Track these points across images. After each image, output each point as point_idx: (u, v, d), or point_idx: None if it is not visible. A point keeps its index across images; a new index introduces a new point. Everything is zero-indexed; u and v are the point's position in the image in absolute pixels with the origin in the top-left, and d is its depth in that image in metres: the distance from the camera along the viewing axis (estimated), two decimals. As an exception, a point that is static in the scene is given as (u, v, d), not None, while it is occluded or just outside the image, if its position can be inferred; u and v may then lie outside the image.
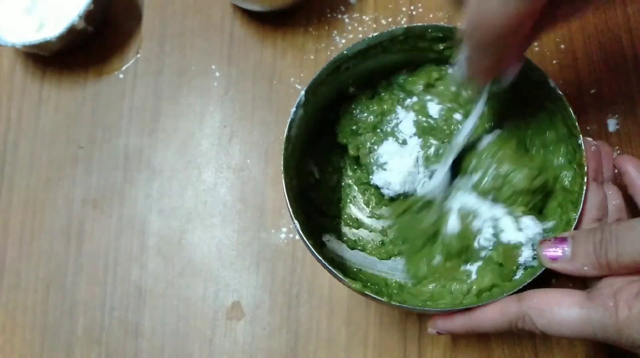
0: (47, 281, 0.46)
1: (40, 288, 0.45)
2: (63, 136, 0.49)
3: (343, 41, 0.50)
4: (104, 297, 0.45)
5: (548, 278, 0.41)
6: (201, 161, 0.48)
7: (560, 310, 0.28)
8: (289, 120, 0.36)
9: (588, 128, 0.46)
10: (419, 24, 0.37)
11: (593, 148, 0.35)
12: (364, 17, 0.50)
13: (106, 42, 0.51)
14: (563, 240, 0.31)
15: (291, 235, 0.45)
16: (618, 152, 0.45)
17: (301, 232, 0.33)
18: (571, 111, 0.34)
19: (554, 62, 0.48)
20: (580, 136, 0.34)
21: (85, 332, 0.44)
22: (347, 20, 0.50)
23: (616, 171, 0.37)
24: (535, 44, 0.48)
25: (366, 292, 0.32)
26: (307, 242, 0.33)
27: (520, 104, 0.39)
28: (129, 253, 0.46)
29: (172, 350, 0.43)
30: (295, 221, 0.33)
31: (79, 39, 0.49)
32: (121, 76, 0.50)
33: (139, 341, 0.44)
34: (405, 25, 0.37)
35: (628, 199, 0.36)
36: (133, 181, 0.47)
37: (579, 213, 0.33)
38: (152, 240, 0.46)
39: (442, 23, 0.41)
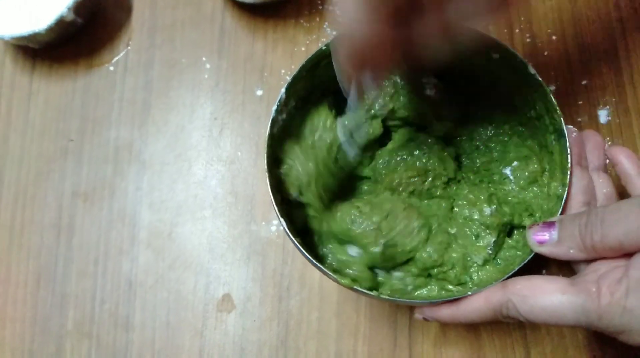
0: (38, 275, 0.45)
1: (30, 282, 0.45)
2: (53, 129, 0.49)
3: (334, 33, 0.49)
4: (94, 290, 0.45)
5: (538, 269, 0.41)
6: (191, 154, 0.47)
7: (543, 296, 0.28)
8: (271, 119, 0.35)
9: (579, 119, 0.46)
10: None
11: (574, 134, 0.35)
12: (355, 8, 0.50)
13: (96, 34, 0.50)
14: (551, 223, 0.31)
15: (281, 228, 0.45)
16: (609, 143, 0.45)
17: (288, 231, 0.33)
18: (552, 97, 0.34)
19: (546, 53, 0.47)
20: (562, 120, 0.34)
21: (75, 325, 0.44)
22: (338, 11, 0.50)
23: (608, 161, 0.37)
24: (527, 34, 0.48)
25: (355, 287, 0.32)
26: (295, 240, 0.33)
27: (502, 95, 0.39)
28: (119, 246, 0.46)
29: (163, 342, 0.43)
30: (282, 220, 0.33)
31: (69, 31, 0.48)
32: (111, 68, 0.50)
33: (130, 334, 0.44)
34: None
35: (621, 190, 0.36)
36: (123, 174, 0.47)
37: (564, 198, 0.33)
38: (142, 233, 0.46)
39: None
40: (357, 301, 0.43)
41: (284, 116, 0.37)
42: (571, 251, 0.30)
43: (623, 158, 0.35)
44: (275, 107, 0.35)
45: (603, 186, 0.35)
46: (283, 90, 0.36)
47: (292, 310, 0.43)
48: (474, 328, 0.42)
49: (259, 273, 0.44)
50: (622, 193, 0.36)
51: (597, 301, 0.27)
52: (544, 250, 0.31)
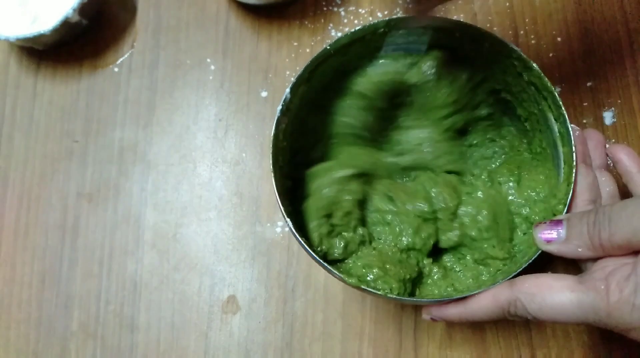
0: (42, 276, 0.45)
1: (35, 282, 0.45)
2: (57, 130, 0.49)
3: (339, 34, 0.49)
4: (99, 291, 0.45)
5: (543, 267, 0.41)
6: (196, 155, 0.47)
7: (551, 294, 0.28)
8: (275, 119, 0.35)
9: (584, 121, 0.46)
10: (401, 16, 0.37)
11: (577, 132, 0.35)
12: (360, 9, 0.50)
13: (101, 35, 0.50)
14: (558, 222, 0.31)
15: (287, 229, 0.45)
16: (613, 142, 0.45)
17: (294, 231, 0.33)
18: (557, 95, 0.34)
19: (551, 55, 0.47)
20: (567, 117, 0.34)
21: (80, 326, 0.44)
22: (342, 13, 0.50)
23: (610, 162, 0.37)
24: (532, 36, 0.48)
25: (362, 286, 0.32)
26: (301, 240, 0.33)
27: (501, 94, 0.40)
28: (124, 247, 0.46)
29: (168, 343, 0.43)
30: (288, 220, 0.33)
31: (73, 32, 0.48)
32: (116, 69, 0.50)
33: (135, 335, 0.44)
34: (387, 18, 0.37)
35: (622, 187, 0.36)
36: (128, 175, 0.47)
37: (570, 196, 0.33)
38: (147, 234, 0.46)
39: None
40: (363, 303, 0.43)
41: (289, 116, 0.37)
42: (579, 249, 0.30)
43: (623, 156, 0.35)
44: (280, 107, 0.35)
45: (606, 185, 0.35)
46: (288, 90, 0.36)
47: (297, 312, 0.43)
48: (479, 330, 0.42)
49: (264, 274, 0.44)
50: (625, 192, 0.36)
51: (606, 298, 0.27)
52: (551, 248, 0.31)
